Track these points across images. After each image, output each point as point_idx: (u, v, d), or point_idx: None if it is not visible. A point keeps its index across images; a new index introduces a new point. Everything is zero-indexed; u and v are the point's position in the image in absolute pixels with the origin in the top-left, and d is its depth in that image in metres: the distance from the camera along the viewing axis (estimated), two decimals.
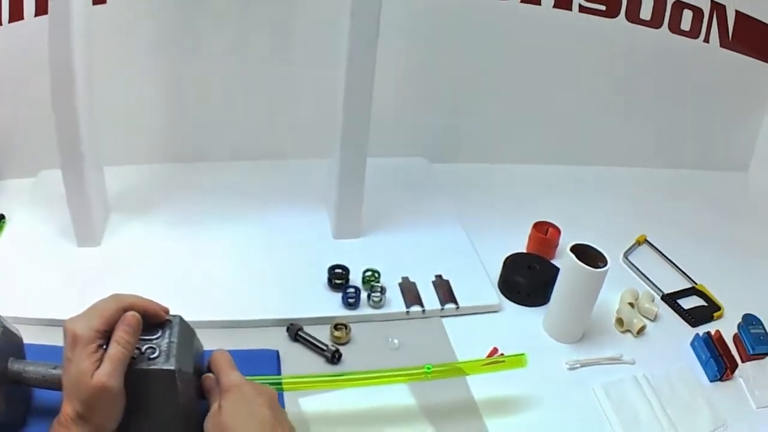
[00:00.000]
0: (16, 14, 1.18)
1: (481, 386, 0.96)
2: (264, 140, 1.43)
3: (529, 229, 1.26)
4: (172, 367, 0.72)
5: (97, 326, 0.70)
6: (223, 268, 1.12)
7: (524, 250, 1.25)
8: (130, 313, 0.72)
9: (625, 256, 1.29)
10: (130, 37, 1.25)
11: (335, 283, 1.10)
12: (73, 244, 1.13)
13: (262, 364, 0.94)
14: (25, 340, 0.84)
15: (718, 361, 1.04)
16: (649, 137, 1.62)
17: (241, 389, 0.75)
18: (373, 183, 1.19)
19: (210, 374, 0.78)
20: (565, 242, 1.07)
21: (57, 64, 0.97)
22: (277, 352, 0.98)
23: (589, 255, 1.01)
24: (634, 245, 1.33)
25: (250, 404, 0.74)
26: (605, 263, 1.00)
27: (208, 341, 0.83)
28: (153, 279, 1.05)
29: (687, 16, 1.47)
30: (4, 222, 1.18)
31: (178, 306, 0.80)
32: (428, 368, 0.88)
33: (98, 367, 0.68)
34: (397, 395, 0.93)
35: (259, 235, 1.21)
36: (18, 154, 1.31)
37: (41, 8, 1.17)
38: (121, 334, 0.70)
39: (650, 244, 1.35)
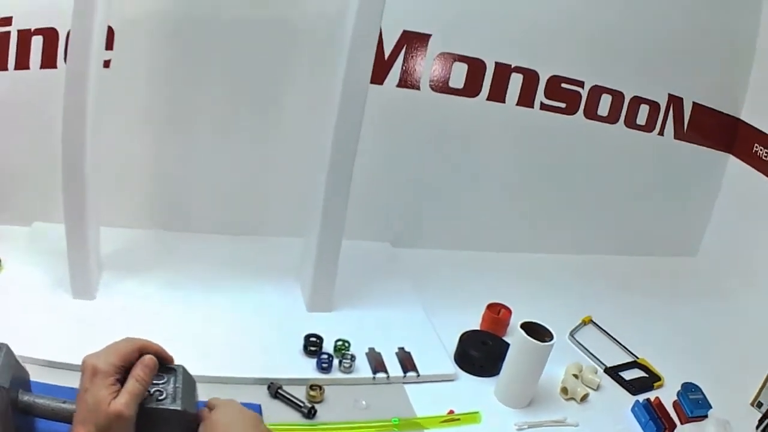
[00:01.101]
0: (22, 62, 1.22)
1: None
2: (242, 217, 1.53)
3: (482, 309, 1.37)
4: (179, 408, 0.81)
5: (115, 362, 0.78)
6: (206, 331, 1.21)
7: (478, 328, 1.36)
8: (148, 357, 0.81)
9: (571, 334, 1.41)
10: (124, 105, 1.32)
11: (310, 350, 1.20)
12: (68, 294, 1.20)
13: None
14: None
15: (657, 423, 1.13)
16: (602, 226, 1.74)
17: (232, 402, 0.86)
18: (342, 263, 1.30)
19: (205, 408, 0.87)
20: (516, 321, 1.18)
21: (70, 118, 1.04)
22: (260, 405, 1.06)
23: (537, 331, 1.14)
24: (579, 325, 1.44)
25: (240, 409, 0.85)
26: (552, 338, 1.13)
27: None
28: (146, 334, 1.07)
29: (643, 110, 1.61)
30: (0, 265, 1.24)
31: None
32: (395, 420, 0.99)
33: (115, 397, 0.76)
34: None
35: (239, 303, 1.30)
36: (12, 203, 1.36)
37: (48, 62, 1.22)
38: (139, 372, 0.79)
39: (595, 324, 1.46)
